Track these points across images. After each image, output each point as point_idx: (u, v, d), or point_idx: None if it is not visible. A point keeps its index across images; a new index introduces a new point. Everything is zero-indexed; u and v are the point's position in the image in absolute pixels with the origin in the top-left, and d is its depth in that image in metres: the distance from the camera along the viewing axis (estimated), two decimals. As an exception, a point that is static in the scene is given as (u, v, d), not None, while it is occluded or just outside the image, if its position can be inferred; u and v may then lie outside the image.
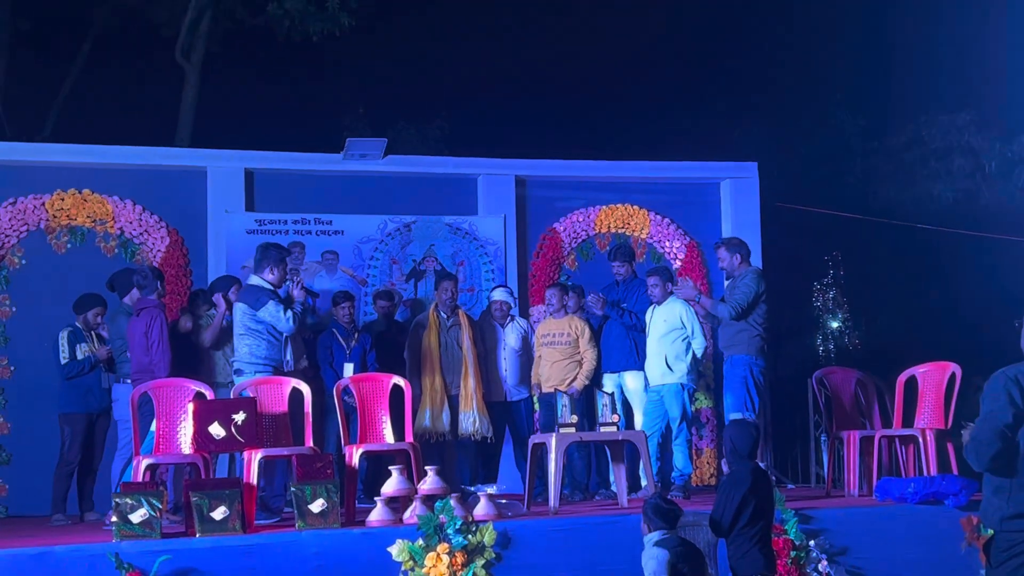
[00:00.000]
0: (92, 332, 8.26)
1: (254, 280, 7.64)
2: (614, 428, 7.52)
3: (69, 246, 9.61)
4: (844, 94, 17.61)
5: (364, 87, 17.71)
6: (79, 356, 8.08)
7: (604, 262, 10.48)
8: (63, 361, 8.10)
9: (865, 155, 17.06)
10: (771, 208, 11.82)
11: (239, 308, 7.59)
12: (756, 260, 10.79)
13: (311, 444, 7.14)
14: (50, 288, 9.30)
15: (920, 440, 7.72)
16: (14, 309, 9.43)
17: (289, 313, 7.44)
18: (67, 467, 8.10)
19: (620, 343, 8.59)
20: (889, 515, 6.91)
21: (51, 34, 16.79)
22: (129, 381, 7.73)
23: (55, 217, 9.55)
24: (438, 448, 8.68)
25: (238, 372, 7.54)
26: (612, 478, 8.09)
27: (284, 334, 7.51)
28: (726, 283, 8.39)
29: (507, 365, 8.93)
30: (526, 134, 16.54)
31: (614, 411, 7.65)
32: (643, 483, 7.89)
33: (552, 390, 8.32)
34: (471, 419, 8.57)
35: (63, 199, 9.57)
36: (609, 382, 8.64)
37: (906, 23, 16.75)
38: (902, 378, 8.09)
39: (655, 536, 5.45)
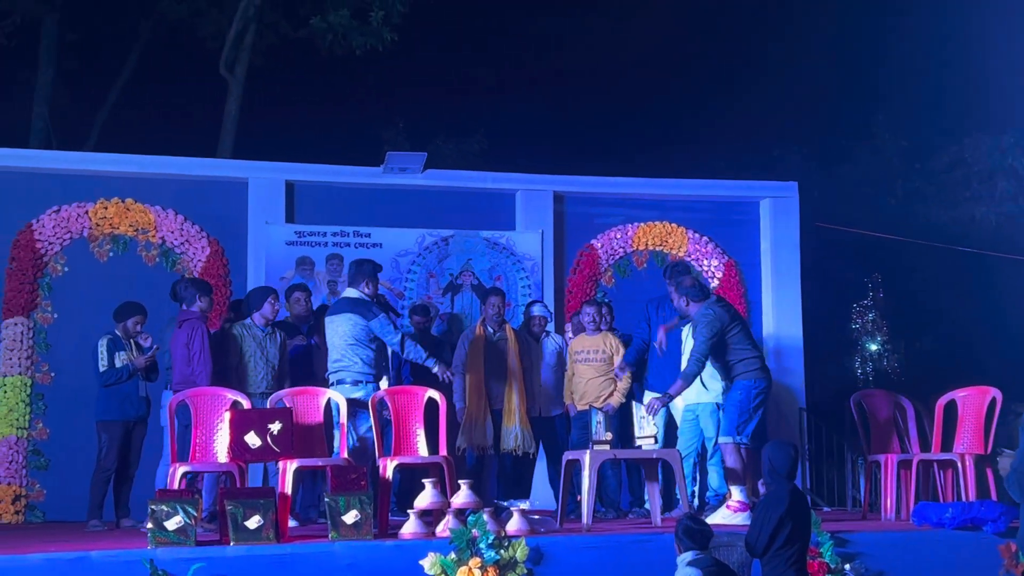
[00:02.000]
0: (131, 340, 8.31)
1: (352, 293, 7.84)
2: (652, 440, 7.48)
3: (111, 254, 9.72)
4: (886, 115, 17.52)
5: (404, 101, 17.83)
6: (117, 364, 8.14)
7: (641, 279, 10.51)
8: (101, 369, 8.14)
9: (907, 176, 16.97)
10: (811, 228, 11.76)
11: (346, 319, 7.71)
12: (794, 281, 10.77)
13: (345, 455, 7.16)
14: (91, 296, 9.39)
15: (959, 465, 7.63)
16: (56, 316, 9.54)
17: (399, 333, 7.73)
18: (104, 474, 8.14)
19: (676, 362, 8.44)
20: (926, 540, 6.82)
21: (98, 45, 17.03)
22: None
23: (98, 225, 9.66)
24: (471, 462, 8.67)
25: (340, 382, 7.64)
26: (646, 496, 8.05)
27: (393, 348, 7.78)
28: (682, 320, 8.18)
29: (543, 380, 8.91)
30: (564, 149, 16.58)
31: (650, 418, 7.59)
32: (678, 502, 7.84)
33: (587, 407, 8.29)
34: (513, 434, 8.56)
35: (106, 208, 9.69)
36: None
37: (951, 44, 16.65)
38: (941, 402, 8.00)
39: (688, 556, 5.43)
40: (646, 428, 7.53)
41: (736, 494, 7.43)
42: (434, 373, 7.82)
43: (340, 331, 7.74)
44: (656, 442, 7.69)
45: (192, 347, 7.69)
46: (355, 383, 7.64)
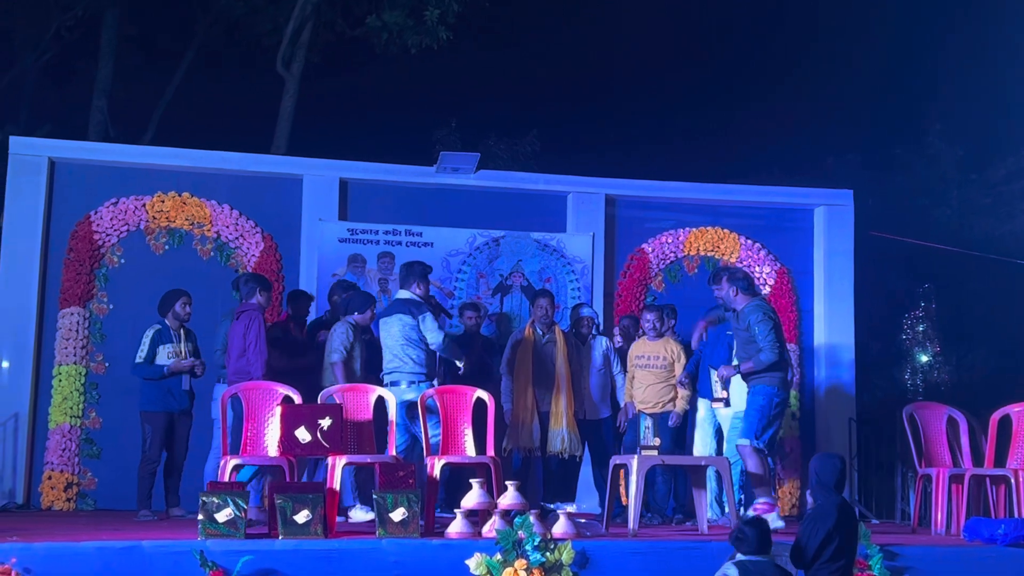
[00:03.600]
0: (182, 329, 8.28)
1: (404, 294, 7.98)
2: (721, 404, 7.84)
3: (167, 247, 9.84)
4: (943, 124, 17.30)
5: (457, 100, 17.86)
6: (160, 360, 8.11)
7: (691, 284, 10.45)
8: (138, 359, 8.10)
9: (962, 186, 16.74)
10: (864, 237, 11.63)
11: (397, 319, 7.86)
12: (848, 290, 10.67)
13: (394, 453, 7.20)
14: (147, 288, 9.44)
15: (1012, 480, 7.52)
16: (111, 307, 9.68)
17: (442, 332, 7.90)
18: (149, 465, 8.14)
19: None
20: (977, 556, 6.72)
21: (157, 40, 17.25)
22: (227, 383, 7.84)
23: (155, 218, 9.79)
24: (517, 463, 8.67)
25: (395, 383, 7.75)
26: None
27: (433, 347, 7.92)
28: (726, 314, 8.14)
29: (590, 384, 8.89)
30: (617, 152, 16.53)
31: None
32: (725, 510, 7.80)
33: (640, 412, 8.26)
34: (560, 436, 8.55)
35: (163, 201, 9.82)
36: (704, 407, 8.54)
37: (1009, 53, 16.40)
38: (996, 416, 7.89)
39: (738, 556, 5.35)
40: (718, 392, 7.82)
41: (761, 495, 7.42)
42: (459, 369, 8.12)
43: (393, 332, 7.85)
44: (726, 406, 7.87)
45: (248, 338, 7.75)
46: (409, 384, 7.73)
